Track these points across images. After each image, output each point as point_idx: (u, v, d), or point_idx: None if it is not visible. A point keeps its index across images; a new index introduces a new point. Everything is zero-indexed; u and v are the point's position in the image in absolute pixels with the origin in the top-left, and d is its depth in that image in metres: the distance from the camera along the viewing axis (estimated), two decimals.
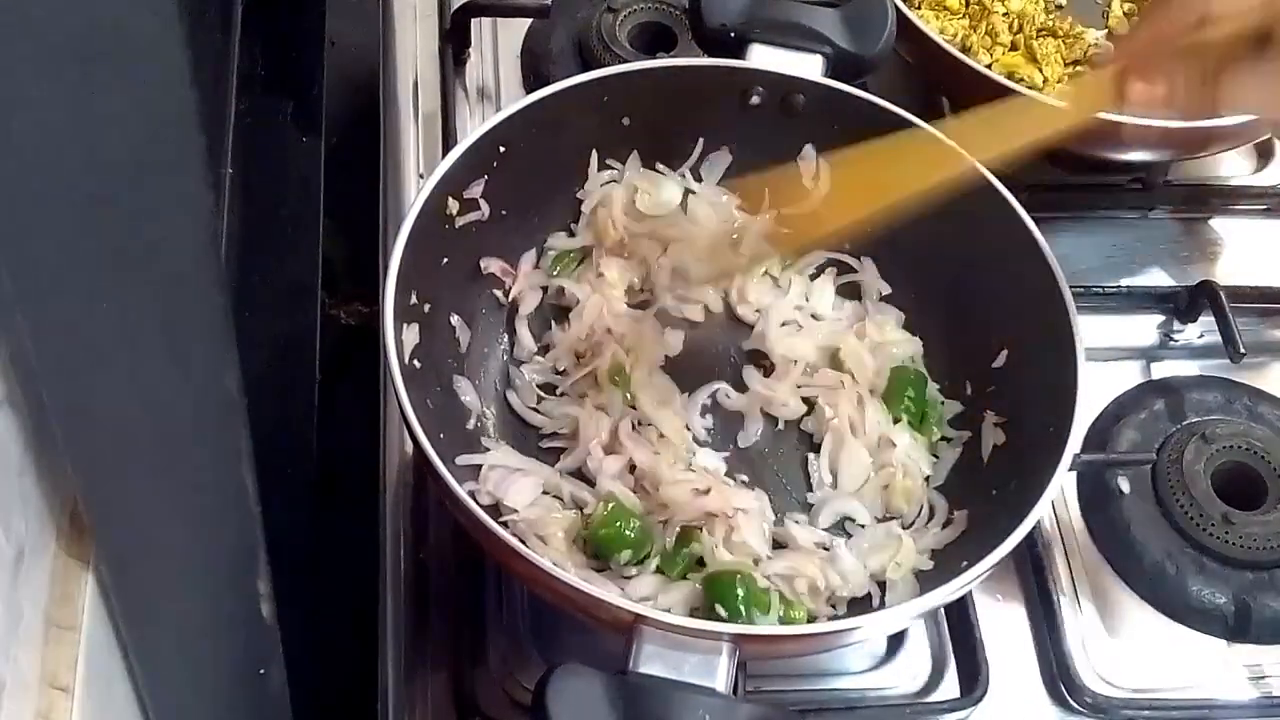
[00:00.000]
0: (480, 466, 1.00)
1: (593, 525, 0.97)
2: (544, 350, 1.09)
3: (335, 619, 0.98)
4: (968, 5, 1.33)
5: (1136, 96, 0.87)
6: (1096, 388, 1.14)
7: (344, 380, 1.08)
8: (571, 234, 1.13)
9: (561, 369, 1.07)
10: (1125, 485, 1.10)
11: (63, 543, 0.63)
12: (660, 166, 1.14)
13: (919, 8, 1.32)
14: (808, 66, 1.10)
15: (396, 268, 0.95)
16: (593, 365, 1.05)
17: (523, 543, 0.89)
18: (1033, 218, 1.03)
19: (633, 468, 1.01)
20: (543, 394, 1.07)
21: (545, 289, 1.11)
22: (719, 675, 0.81)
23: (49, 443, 0.59)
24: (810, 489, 1.05)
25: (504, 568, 0.98)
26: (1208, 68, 0.84)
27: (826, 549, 1.00)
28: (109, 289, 0.53)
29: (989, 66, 1.24)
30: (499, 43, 1.36)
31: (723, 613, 0.93)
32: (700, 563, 0.97)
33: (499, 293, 1.10)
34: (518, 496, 0.99)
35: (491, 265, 1.09)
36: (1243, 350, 1.14)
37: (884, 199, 0.98)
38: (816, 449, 1.06)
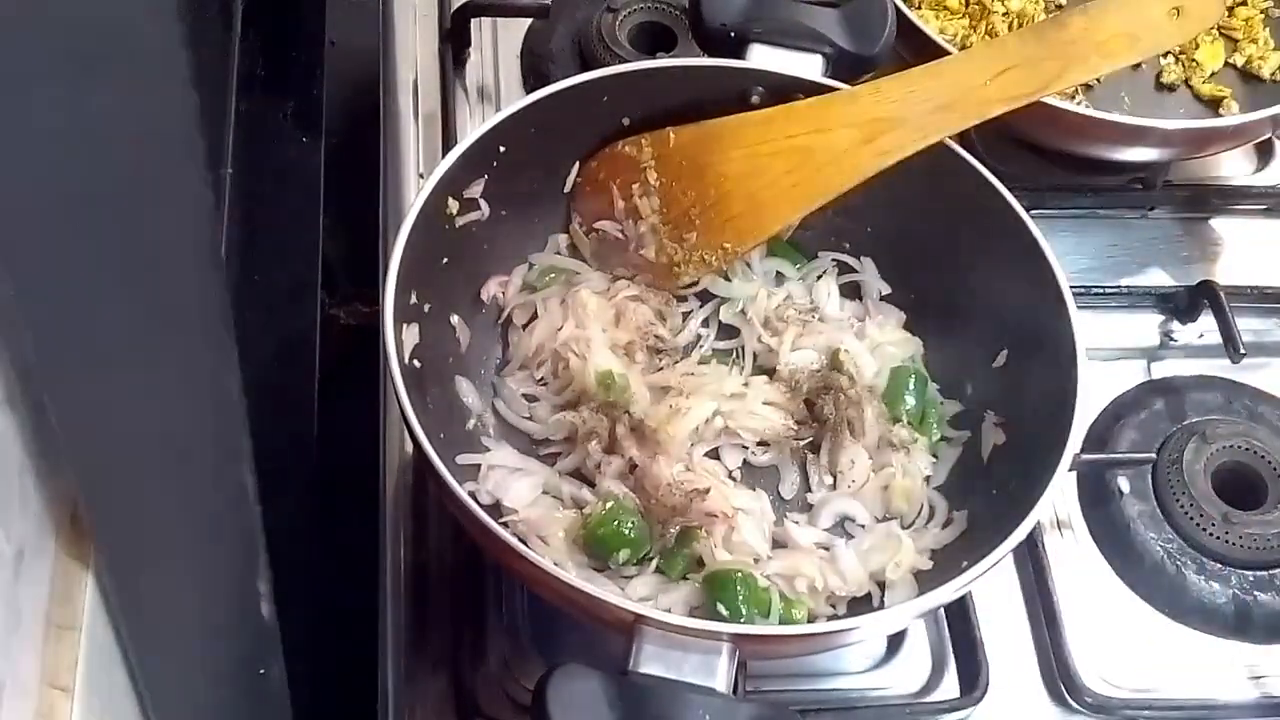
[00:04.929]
0: (480, 466, 1.00)
1: (591, 524, 0.97)
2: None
3: (335, 619, 0.98)
4: (968, 5, 1.33)
5: None
6: (1096, 388, 1.15)
7: (344, 380, 1.08)
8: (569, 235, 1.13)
9: (540, 378, 1.07)
10: (1125, 485, 1.11)
11: (63, 543, 0.63)
12: None
13: (919, 8, 1.32)
14: (808, 66, 1.10)
15: (396, 268, 0.95)
16: (569, 378, 1.05)
17: (523, 543, 0.89)
18: (1033, 218, 1.03)
19: (633, 468, 1.01)
20: (529, 402, 1.07)
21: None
22: (719, 675, 0.81)
23: (49, 443, 0.59)
24: (810, 489, 1.05)
25: (504, 568, 0.98)
26: None
27: (826, 549, 1.00)
28: (109, 289, 0.53)
29: None
30: (499, 43, 1.36)
31: (723, 612, 0.93)
32: (700, 563, 0.97)
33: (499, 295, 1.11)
34: (517, 496, 0.99)
35: (491, 287, 1.09)
36: (1243, 350, 1.14)
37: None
38: (816, 449, 1.06)
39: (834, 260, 1.15)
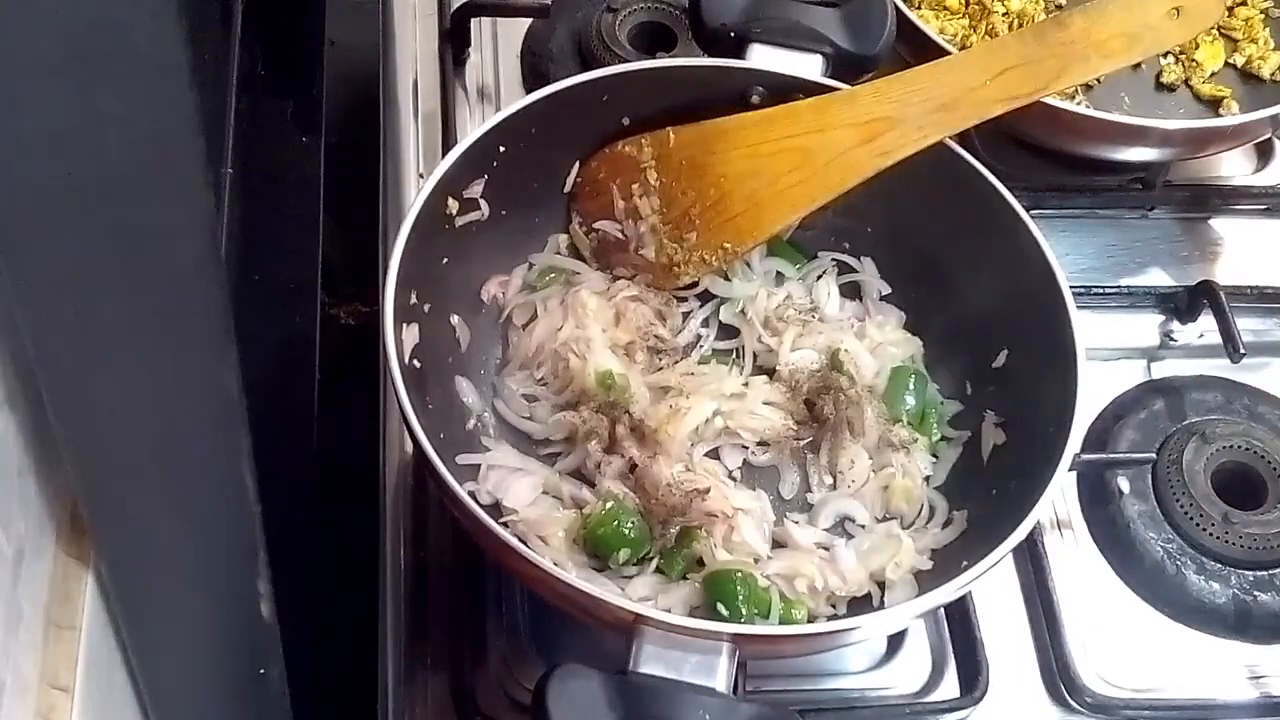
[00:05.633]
0: (480, 466, 1.00)
1: (591, 524, 0.97)
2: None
3: (335, 619, 0.98)
4: (968, 5, 1.33)
5: None
6: (1096, 388, 1.15)
7: (344, 380, 1.08)
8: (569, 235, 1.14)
9: (540, 378, 1.07)
10: (1125, 485, 1.11)
11: (63, 543, 0.63)
12: None
13: (919, 8, 1.32)
14: (808, 66, 1.10)
15: (396, 268, 0.95)
16: (569, 378, 1.05)
17: (523, 543, 0.89)
18: (1033, 218, 1.03)
19: (633, 468, 1.01)
20: (529, 402, 1.07)
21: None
22: (719, 675, 0.81)
23: (49, 443, 0.59)
24: (810, 489, 1.05)
25: (504, 568, 0.98)
26: None
27: (826, 549, 1.00)
28: (109, 289, 0.53)
29: None
30: (499, 43, 1.36)
31: (723, 612, 0.93)
32: (700, 563, 0.97)
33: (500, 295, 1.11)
34: (517, 496, 0.99)
35: (491, 287, 1.09)
36: (1243, 350, 1.14)
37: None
38: (816, 449, 1.06)
39: (834, 260, 1.15)
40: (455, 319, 1.06)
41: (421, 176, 1.24)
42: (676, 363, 1.09)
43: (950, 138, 1.05)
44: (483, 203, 1.06)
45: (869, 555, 0.99)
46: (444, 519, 1.05)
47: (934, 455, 1.07)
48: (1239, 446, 1.11)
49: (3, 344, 0.56)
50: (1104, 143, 1.21)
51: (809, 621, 0.96)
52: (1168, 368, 1.22)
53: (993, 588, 1.06)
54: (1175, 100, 1.33)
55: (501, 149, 1.05)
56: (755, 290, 1.12)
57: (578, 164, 1.12)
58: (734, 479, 1.04)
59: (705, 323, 1.12)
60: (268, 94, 1.22)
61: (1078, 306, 0.99)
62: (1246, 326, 1.18)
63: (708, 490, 0.98)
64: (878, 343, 1.10)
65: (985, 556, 0.88)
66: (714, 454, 1.05)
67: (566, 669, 0.79)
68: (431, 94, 1.30)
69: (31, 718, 0.59)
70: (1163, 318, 1.24)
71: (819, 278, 1.14)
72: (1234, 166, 1.35)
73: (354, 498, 1.04)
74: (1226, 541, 1.07)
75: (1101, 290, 1.23)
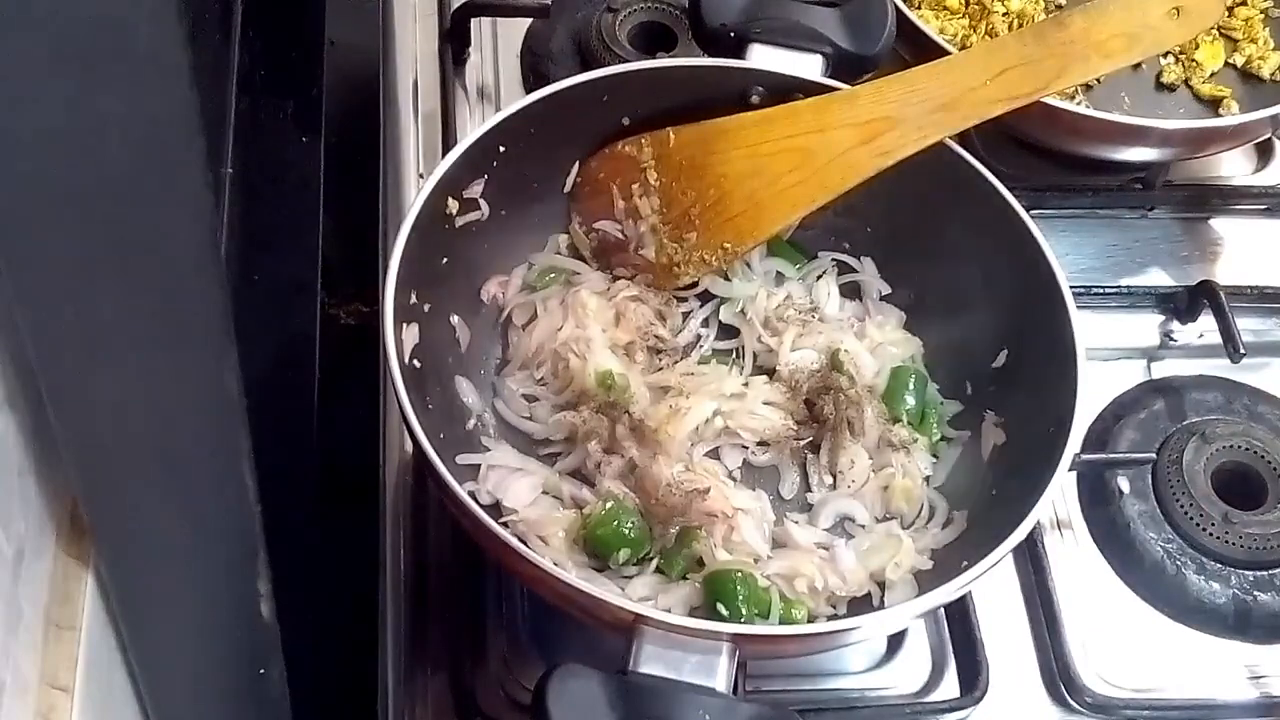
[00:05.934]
0: (480, 466, 1.00)
1: (591, 524, 0.97)
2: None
3: (335, 619, 0.98)
4: (968, 5, 1.33)
5: None
6: (1096, 388, 1.15)
7: (344, 380, 1.08)
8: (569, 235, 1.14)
9: (540, 378, 1.07)
10: (1125, 485, 1.11)
11: (63, 543, 0.63)
12: None
13: (919, 8, 1.32)
14: (808, 66, 1.10)
15: (396, 268, 0.95)
16: (569, 378, 1.05)
17: (523, 543, 0.89)
18: (1033, 218, 1.03)
19: (633, 468, 1.01)
20: (529, 402, 1.07)
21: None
22: (719, 675, 0.81)
23: (49, 443, 0.59)
24: (810, 489, 1.05)
25: (504, 568, 0.98)
26: None
27: (826, 549, 1.00)
28: (109, 289, 0.53)
29: None
30: (499, 43, 1.36)
31: (723, 612, 0.93)
32: (700, 563, 0.97)
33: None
34: (517, 496, 0.99)
35: (491, 287, 1.10)
36: (1243, 350, 1.14)
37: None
38: (816, 449, 1.06)
39: (834, 260, 1.15)
40: (455, 319, 1.06)
41: (421, 176, 1.24)
42: (676, 363, 1.09)
43: (950, 138, 1.05)
44: (483, 203, 1.06)
45: (869, 555, 0.99)
46: (444, 519, 1.05)
47: (934, 455, 1.07)
48: (1239, 446, 1.12)
49: (3, 344, 0.56)
50: (1104, 143, 1.22)
51: (809, 621, 0.96)
52: (1168, 368, 1.22)
53: (993, 588, 1.06)
54: (1175, 100, 1.33)
55: (501, 149, 1.05)
56: (755, 290, 1.12)
57: (578, 164, 1.12)
58: (734, 479, 1.04)
59: (705, 323, 1.12)
60: (268, 94, 1.21)
61: (1078, 306, 0.99)
62: (1246, 326, 1.18)
63: (708, 490, 0.98)
64: (878, 343, 1.10)
65: (985, 556, 0.88)
66: (714, 454, 1.05)
67: (566, 669, 0.80)
68: (431, 94, 1.30)
69: (31, 718, 0.59)
70: (1163, 318, 1.24)
71: (819, 278, 1.14)
72: (1234, 166, 1.35)
73: (354, 498, 1.04)
74: (1226, 541, 1.07)
75: (1101, 290, 1.23)
